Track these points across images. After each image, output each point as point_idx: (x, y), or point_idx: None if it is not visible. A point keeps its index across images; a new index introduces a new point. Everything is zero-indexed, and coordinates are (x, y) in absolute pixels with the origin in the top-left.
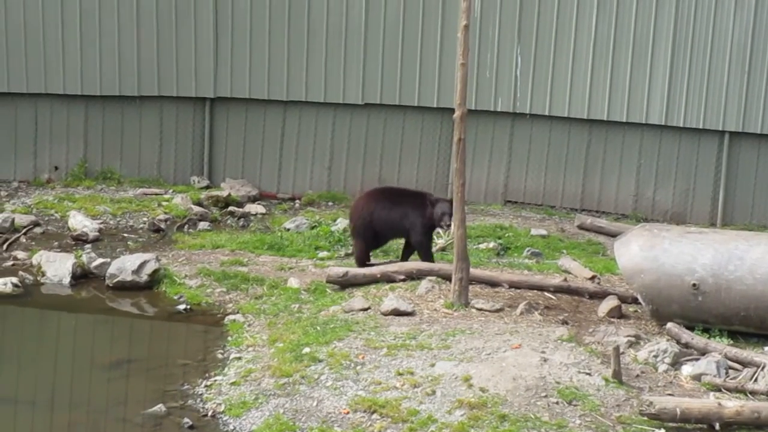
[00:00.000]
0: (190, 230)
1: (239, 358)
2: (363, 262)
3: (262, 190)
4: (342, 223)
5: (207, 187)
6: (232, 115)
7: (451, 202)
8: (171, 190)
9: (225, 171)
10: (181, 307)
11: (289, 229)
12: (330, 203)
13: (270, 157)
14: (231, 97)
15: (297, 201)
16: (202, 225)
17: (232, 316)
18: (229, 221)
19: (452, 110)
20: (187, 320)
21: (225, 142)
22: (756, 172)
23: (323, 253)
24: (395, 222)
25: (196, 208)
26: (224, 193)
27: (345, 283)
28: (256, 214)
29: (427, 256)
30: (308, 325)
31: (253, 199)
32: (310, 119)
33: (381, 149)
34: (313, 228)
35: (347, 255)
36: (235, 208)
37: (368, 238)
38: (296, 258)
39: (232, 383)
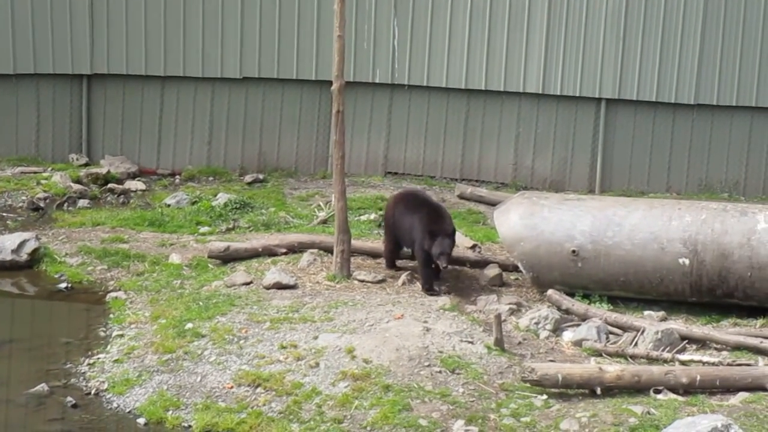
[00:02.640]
0: (70, 208)
1: (122, 336)
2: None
3: (142, 166)
4: (223, 197)
5: (86, 165)
6: (110, 91)
7: (450, 236)
8: (50, 168)
9: (104, 148)
10: (62, 285)
11: (169, 205)
12: (210, 178)
13: (149, 133)
14: (108, 73)
15: (177, 177)
16: (82, 203)
17: (113, 294)
18: (109, 198)
19: (331, 83)
20: (68, 299)
21: (103, 118)
22: (632, 139)
23: (204, 229)
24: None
25: (76, 186)
26: (104, 170)
27: (227, 258)
28: (136, 191)
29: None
30: (191, 301)
31: (133, 176)
32: (189, 94)
33: (260, 123)
34: (193, 203)
35: (228, 230)
36: (115, 185)
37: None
38: (177, 234)
39: (115, 361)
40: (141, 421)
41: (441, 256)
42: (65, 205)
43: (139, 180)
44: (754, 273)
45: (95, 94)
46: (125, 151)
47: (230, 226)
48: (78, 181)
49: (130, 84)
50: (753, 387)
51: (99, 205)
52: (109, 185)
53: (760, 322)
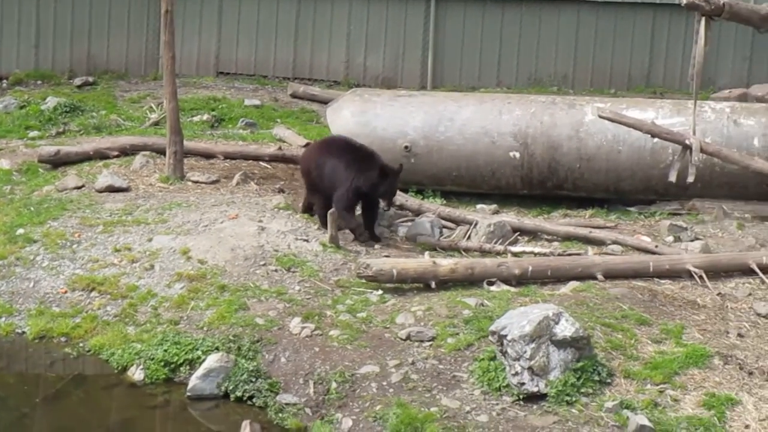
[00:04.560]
0: None
1: None
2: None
3: None
4: (52, 101)
5: None
6: None
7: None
8: None
9: None
10: None
11: None
12: (39, 82)
13: None
14: None
15: (4, 81)
16: None
17: None
18: None
19: None
20: None
21: None
22: (463, 35)
23: (34, 133)
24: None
25: None
26: None
27: (57, 162)
28: None
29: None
30: (21, 206)
31: None
32: None
33: (89, 25)
34: (22, 108)
35: (59, 134)
36: None
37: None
38: (6, 139)
39: None
40: None
41: (386, 194)
42: None
43: None
44: (583, 164)
45: None
46: None
47: (60, 129)
48: None
49: None
50: (583, 276)
51: None
52: None
53: (589, 212)
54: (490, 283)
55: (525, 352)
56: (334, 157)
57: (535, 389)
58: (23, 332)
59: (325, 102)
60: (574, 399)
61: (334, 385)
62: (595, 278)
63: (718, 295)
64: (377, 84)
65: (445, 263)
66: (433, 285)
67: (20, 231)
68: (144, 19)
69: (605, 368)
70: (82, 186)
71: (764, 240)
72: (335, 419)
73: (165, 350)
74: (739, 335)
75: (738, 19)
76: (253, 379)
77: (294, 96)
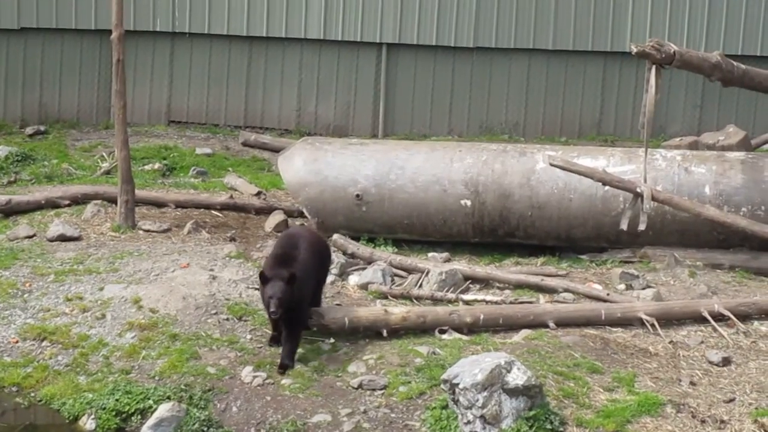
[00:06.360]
0: None
1: None
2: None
3: None
4: (3, 150)
5: None
6: None
7: (284, 280)
8: None
9: None
10: None
11: None
12: None
13: None
14: None
15: None
16: None
17: None
18: None
19: (111, 32)
20: None
21: None
22: (414, 83)
23: None
24: None
25: None
26: None
27: (9, 211)
28: None
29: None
30: None
31: None
32: None
33: (40, 74)
34: None
35: (10, 183)
36: None
37: None
38: None
39: None
40: None
41: (269, 300)
42: None
43: None
44: (534, 212)
45: None
46: None
47: (12, 179)
48: None
49: None
50: (535, 324)
51: None
52: None
53: (540, 260)
54: (442, 332)
55: (477, 400)
56: None
57: None
58: None
59: (276, 150)
60: None
61: None
62: (547, 326)
63: (670, 343)
64: (328, 132)
65: (397, 311)
66: (385, 333)
67: None
68: (95, 68)
69: (558, 417)
70: (34, 235)
71: (716, 288)
72: None
73: (116, 399)
74: (692, 383)
75: (688, 67)
76: (205, 429)
77: (245, 144)
